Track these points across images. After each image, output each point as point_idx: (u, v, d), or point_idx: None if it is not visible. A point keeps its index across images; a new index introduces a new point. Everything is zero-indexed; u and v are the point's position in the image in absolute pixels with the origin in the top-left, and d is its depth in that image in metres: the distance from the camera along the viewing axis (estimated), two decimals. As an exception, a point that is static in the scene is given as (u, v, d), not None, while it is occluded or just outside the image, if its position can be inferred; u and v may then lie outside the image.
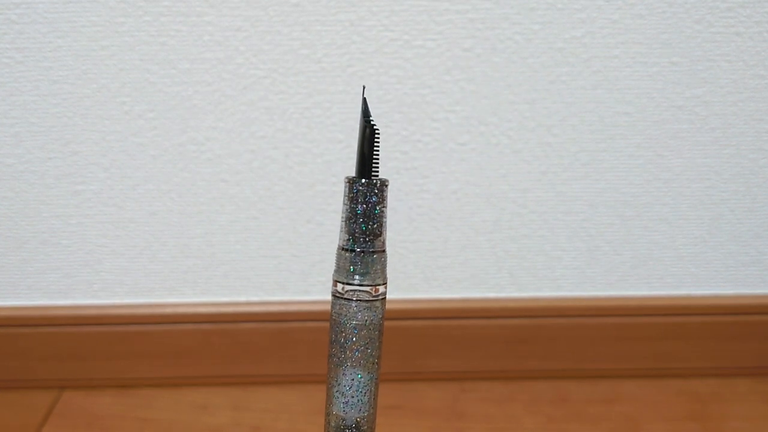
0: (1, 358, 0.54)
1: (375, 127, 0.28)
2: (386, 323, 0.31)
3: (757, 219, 0.53)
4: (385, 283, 0.30)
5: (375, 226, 0.29)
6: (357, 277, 0.29)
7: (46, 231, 0.51)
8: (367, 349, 0.30)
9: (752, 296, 0.56)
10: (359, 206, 0.29)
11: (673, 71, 0.48)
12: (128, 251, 0.52)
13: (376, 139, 0.28)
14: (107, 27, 0.46)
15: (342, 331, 0.30)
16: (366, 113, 0.28)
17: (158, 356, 0.54)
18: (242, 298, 0.54)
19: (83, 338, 0.54)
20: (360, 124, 0.28)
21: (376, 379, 0.31)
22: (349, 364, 0.30)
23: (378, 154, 0.28)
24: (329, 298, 0.55)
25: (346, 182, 0.29)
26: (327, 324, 0.56)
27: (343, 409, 0.30)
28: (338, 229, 0.52)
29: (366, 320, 0.29)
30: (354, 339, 0.29)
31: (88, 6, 0.45)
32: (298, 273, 0.53)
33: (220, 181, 0.50)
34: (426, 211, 0.52)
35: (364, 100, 0.28)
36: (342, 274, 0.29)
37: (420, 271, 0.54)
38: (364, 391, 0.30)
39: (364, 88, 0.30)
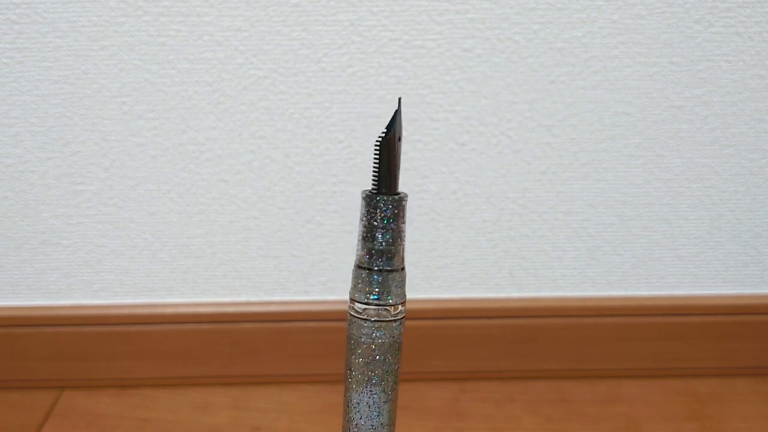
0: (1, 358, 0.54)
1: (400, 139, 0.26)
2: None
3: (757, 219, 0.53)
4: (404, 302, 0.28)
5: (393, 243, 0.27)
6: (374, 297, 0.27)
7: (46, 231, 0.51)
8: (385, 369, 0.28)
9: (752, 296, 0.55)
10: (377, 222, 0.27)
11: (673, 71, 0.48)
12: (128, 251, 0.52)
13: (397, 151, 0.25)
14: (107, 27, 0.46)
15: (360, 352, 0.28)
16: (392, 126, 0.26)
17: (158, 356, 0.54)
18: (242, 298, 0.54)
19: (83, 338, 0.54)
20: (387, 137, 0.26)
21: (393, 399, 0.29)
22: (366, 384, 0.28)
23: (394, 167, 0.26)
24: (329, 298, 0.56)
25: (363, 197, 0.27)
26: (327, 324, 0.56)
27: (359, 430, 0.29)
28: (338, 229, 0.52)
29: (385, 341, 0.28)
30: (372, 360, 0.28)
31: (88, 6, 0.45)
32: (298, 273, 0.53)
33: (220, 181, 0.50)
34: (426, 211, 0.52)
35: (398, 112, 0.26)
36: (359, 294, 0.28)
37: (420, 271, 0.54)
38: (380, 412, 0.29)
39: (400, 99, 0.28)
